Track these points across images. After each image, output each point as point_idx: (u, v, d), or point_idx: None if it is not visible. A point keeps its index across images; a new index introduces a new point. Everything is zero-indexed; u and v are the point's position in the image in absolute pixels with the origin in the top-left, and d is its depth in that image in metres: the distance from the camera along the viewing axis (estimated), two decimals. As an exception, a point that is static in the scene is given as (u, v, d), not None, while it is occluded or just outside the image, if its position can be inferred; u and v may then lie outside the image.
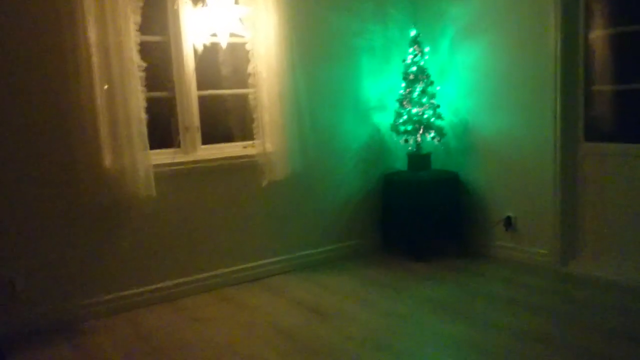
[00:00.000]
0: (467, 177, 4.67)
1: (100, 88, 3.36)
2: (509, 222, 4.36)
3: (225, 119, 4.33)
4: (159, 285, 3.80)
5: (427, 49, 4.60)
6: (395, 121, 4.63)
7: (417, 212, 4.44)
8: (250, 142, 4.16)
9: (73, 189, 3.44)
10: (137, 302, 3.71)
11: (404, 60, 4.59)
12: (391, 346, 3.01)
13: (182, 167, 3.85)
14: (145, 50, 3.61)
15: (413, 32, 4.56)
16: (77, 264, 3.52)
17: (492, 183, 4.49)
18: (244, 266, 4.16)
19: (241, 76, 4.12)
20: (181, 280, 3.89)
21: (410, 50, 4.55)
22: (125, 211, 3.65)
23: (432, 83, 4.55)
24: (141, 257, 3.74)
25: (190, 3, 3.83)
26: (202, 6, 3.80)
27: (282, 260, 4.34)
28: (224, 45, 3.87)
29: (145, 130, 3.52)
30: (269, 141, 4.03)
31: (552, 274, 4.03)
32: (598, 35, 3.88)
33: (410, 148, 4.66)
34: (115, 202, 3.56)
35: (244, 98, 4.16)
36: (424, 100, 4.51)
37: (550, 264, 4.11)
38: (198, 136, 3.98)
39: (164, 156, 3.80)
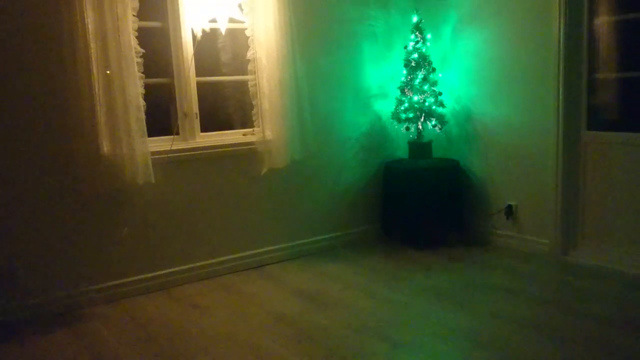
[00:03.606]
0: (468, 166, 4.64)
1: (98, 74, 3.33)
2: (510, 211, 4.34)
3: (225, 106, 4.29)
4: (157, 273, 3.80)
5: (429, 36, 4.55)
6: (396, 109, 4.59)
7: (418, 201, 4.42)
8: (249, 130, 4.13)
9: (71, 177, 3.42)
10: (135, 289, 3.71)
11: (405, 47, 4.55)
12: (390, 335, 3.00)
13: (181, 154, 3.83)
14: (143, 36, 3.57)
15: (415, 19, 4.51)
16: (75, 252, 3.51)
17: (494, 171, 4.47)
18: (242, 254, 4.15)
19: (241, 63, 4.09)
20: (179, 268, 3.88)
21: (412, 36, 4.51)
22: (123, 199, 3.64)
23: (433, 70, 4.51)
24: (140, 244, 3.73)
25: (189, -12, 3.79)
26: (201, -9, 3.76)
27: (281, 249, 4.33)
28: (223, 31, 3.83)
29: (143, 117, 3.49)
30: (268, 128, 4.00)
31: (552, 263, 4.01)
32: (602, 22, 3.82)
33: (411, 136, 4.63)
34: (114, 190, 3.54)
35: (243, 85, 4.13)
36: (426, 87, 4.47)
37: (551, 253, 4.09)
38: (197, 123, 3.95)
39: (162, 143, 3.77)
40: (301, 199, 4.41)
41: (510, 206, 4.34)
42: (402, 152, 4.80)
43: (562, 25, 3.83)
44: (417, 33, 4.49)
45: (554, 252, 4.08)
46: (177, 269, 3.87)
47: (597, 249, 3.91)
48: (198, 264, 3.96)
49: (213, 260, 4.02)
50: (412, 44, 4.50)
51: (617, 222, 3.80)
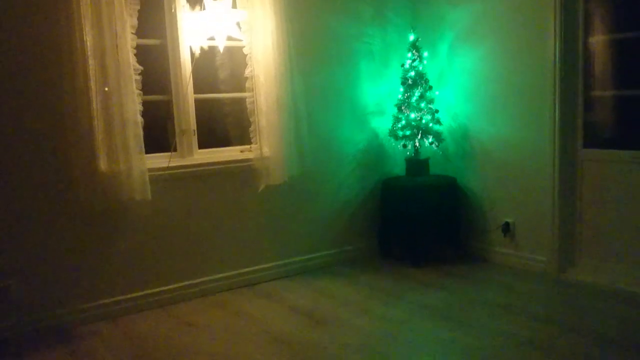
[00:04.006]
0: (465, 183, 4.64)
1: (96, 91, 3.34)
2: (507, 228, 4.34)
3: (222, 123, 4.31)
4: (153, 290, 3.77)
5: (425, 54, 4.58)
6: (393, 126, 4.61)
7: (415, 218, 4.42)
8: (247, 146, 4.14)
9: (68, 193, 3.42)
10: (131, 307, 3.68)
11: (402, 65, 4.58)
12: (388, 353, 2.98)
13: (178, 171, 3.83)
14: (142, 53, 3.59)
15: (412, 37, 4.55)
16: (71, 269, 3.50)
17: (491, 189, 4.47)
18: (239, 271, 4.13)
19: (238, 80, 4.11)
20: (175, 285, 3.86)
21: (409, 54, 4.54)
22: (120, 215, 3.63)
23: (430, 88, 4.53)
24: (135, 261, 3.71)
25: (187, 6, 3.82)
26: (200, 10, 3.79)
27: (278, 266, 4.31)
28: (221, 48, 3.85)
29: (141, 133, 3.50)
30: (266, 145, 4.01)
31: (550, 281, 4.00)
32: (597, 40, 3.86)
33: (408, 153, 4.64)
34: (111, 206, 3.53)
35: (241, 102, 4.14)
36: (423, 105, 4.50)
37: (548, 271, 4.08)
38: (194, 140, 3.96)
39: (160, 160, 3.77)
40: (298, 216, 4.41)
41: (507, 223, 4.34)
42: (400, 169, 4.81)
43: (557, 44, 3.86)
44: (413, 51, 4.52)
45: (551, 269, 4.07)
46: (173, 286, 3.85)
47: (595, 266, 3.91)
48: (194, 281, 3.93)
49: (209, 278, 4.00)
50: (409, 61, 4.53)
51: (615, 240, 3.80)
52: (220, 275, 4.04)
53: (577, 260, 4.02)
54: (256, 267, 4.21)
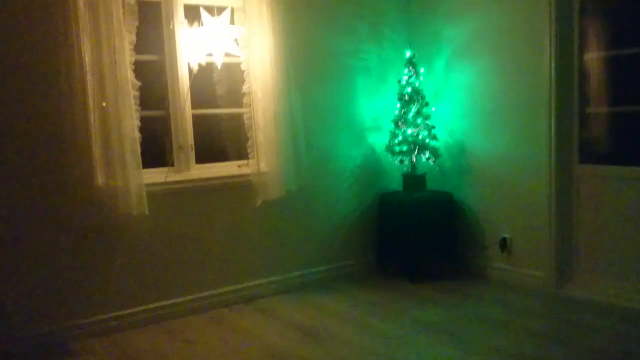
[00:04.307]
0: (462, 198, 4.65)
1: (94, 106, 3.35)
2: (504, 244, 4.34)
3: (220, 138, 4.32)
4: (149, 306, 3.75)
5: (422, 70, 4.61)
6: (390, 142, 4.62)
7: (412, 233, 4.42)
8: (244, 162, 4.15)
9: (65, 208, 3.40)
10: (126, 323, 3.65)
11: (399, 81, 4.61)
12: (385, 370, 2.97)
13: (175, 186, 3.83)
14: (140, 69, 3.60)
15: (408, 53, 4.59)
16: (67, 284, 3.47)
17: (488, 204, 4.48)
18: (236, 287, 4.11)
19: (236, 96, 4.12)
20: (171, 301, 3.84)
21: (406, 71, 4.57)
22: (117, 230, 3.62)
23: (427, 104, 4.56)
24: (132, 277, 3.69)
25: (186, 23, 3.84)
26: (198, 26, 3.81)
27: (275, 281, 4.29)
28: (219, 65, 3.87)
29: (138, 149, 3.50)
30: (263, 160, 4.02)
31: (548, 296, 3.99)
32: (592, 57, 3.90)
33: (405, 168, 4.66)
34: (108, 222, 3.52)
35: (238, 117, 4.16)
36: (419, 121, 4.52)
37: (546, 286, 4.07)
38: (192, 155, 3.96)
39: (157, 175, 3.77)
40: (295, 231, 4.40)
41: (504, 239, 4.34)
42: (397, 184, 4.82)
43: (553, 60, 3.90)
44: (410, 67, 4.56)
45: (548, 285, 4.06)
46: (169, 302, 3.83)
47: (592, 282, 3.91)
48: (190, 296, 3.91)
49: (206, 293, 3.98)
50: (405, 78, 4.56)
51: (612, 256, 3.80)
52: (217, 290, 4.02)
53: (575, 276, 4.02)
54: (253, 283, 4.19)
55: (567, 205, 4.00)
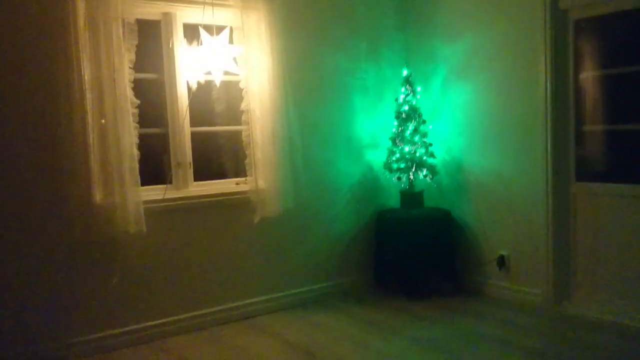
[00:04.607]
0: (459, 215, 4.66)
1: (93, 124, 3.37)
2: (502, 261, 4.34)
3: (218, 156, 4.34)
4: (145, 324, 3.73)
5: (419, 89, 4.65)
6: (387, 159, 4.65)
7: (410, 250, 4.42)
8: (242, 179, 4.16)
9: (63, 225, 3.41)
10: (122, 341, 3.63)
11: (396, 99, 4.65)
12: (382, 389, 2.95)
13: (173, 203, 3.83)
14: (139, 87, 3.64)
15: (405, 72, 4.63)
16: (63, 302, 3.46)
17: (485, 221, 4.49)
18: (233, 305, 4.09)
19: (234, 113, 4.15)
20: (169, 319, 3.82)
21: (403, 89, 4.61)
22: (115, 247, 3.61)
23: (424, 122, 4.59)
24: (129, 294, 3.68)
25: (185, 42, 3.88)
26: (197, 45, 3.85)
27: (272, 299, 4.28)
28: (217, 83, 3.90)
29: (136, 166, 3.52)
30: (261, 178, 4.03)
31: (546, 314, 3.98)
32: (587, 76, 3.94)
33: (403, 186, 4.67)
34: (105, 238, 3.52)
35: (237, 135, 4.18)
36: (416, 138, 4.55)
37: (544, 304, 4.06)
38: (190, 172, 3.98)
39: (155, 192, 3.78)
40: (293, 248, 4.40)
41: (502, 256, 4.34)
42: (394, 201, 4.83)
43: (549, 79, 3.93)
44: (407, 86, 4.59)
45: (547, 302, 4.06)
46: (166, 320, 3.81)
47: (590, 300, 3.90)
48: (187, 315, 3.90)
49: (203, 311, 3.96)
50: (402, 96, 4.60)
51: (609, 273, 3.80)
52: (214, 308, 4.01)
53: (572, 293, 4.01)
54: (250, 300, 4.17)
55: (564, 223, 4.01)
